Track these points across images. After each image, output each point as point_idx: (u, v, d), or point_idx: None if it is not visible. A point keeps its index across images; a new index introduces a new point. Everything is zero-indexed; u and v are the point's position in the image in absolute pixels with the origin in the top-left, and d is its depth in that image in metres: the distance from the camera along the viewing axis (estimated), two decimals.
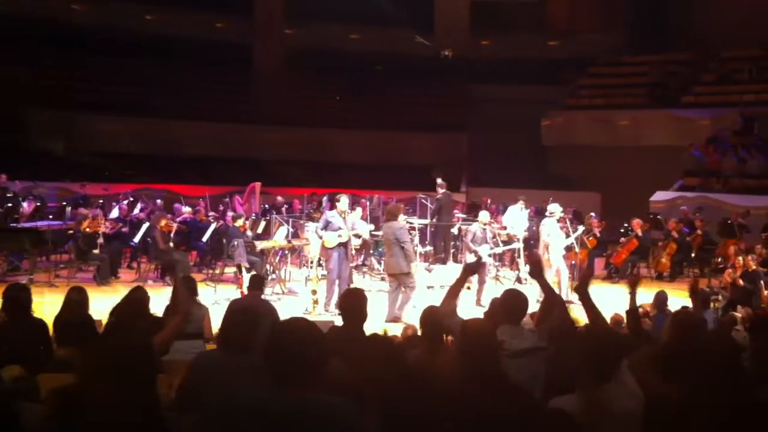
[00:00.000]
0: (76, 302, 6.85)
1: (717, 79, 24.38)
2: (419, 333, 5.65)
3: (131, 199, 17.50)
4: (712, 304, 11.11)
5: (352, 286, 12.02)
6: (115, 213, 15.92)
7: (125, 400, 3.21)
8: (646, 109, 24.56)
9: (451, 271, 14.04)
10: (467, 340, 3.90)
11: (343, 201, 11.67)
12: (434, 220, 15.79)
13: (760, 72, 23.28)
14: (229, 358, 4.46)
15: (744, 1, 24.38)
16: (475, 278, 12.64)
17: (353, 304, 5.01)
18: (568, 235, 13.39)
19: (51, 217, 15.31)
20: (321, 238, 11.43)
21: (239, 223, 14.02)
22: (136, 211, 16.40)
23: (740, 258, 12.34)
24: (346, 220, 11.49)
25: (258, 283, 8.13)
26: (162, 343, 4.93)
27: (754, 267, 12.01)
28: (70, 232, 13.69)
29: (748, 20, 23.69)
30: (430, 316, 5.07)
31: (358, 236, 12.15)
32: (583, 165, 24.26)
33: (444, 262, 15.32)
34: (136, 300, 6.81)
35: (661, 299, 8.92)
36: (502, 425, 3.50)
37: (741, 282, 11.74)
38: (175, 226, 14.35)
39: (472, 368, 3.72)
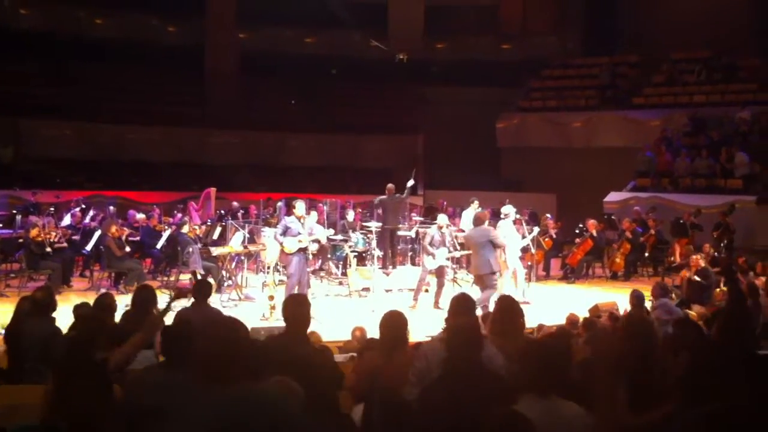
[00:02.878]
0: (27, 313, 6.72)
1: (666, 80, 24.79)
2: (376, 336, 5.61)
3: (83, 206, 17.16)
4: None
5: (309, 290, 11.98)
6: (67, 220, 15.60)
7: (82, 415, 3.19)
8: (598, 111, 24.88)
9: (409, 274, 14.06)
10: (453, 337, 4.14)
11: (300, 206, 11.59)
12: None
13: (709, 73, 23.70)
14: (168, 373, 4.32)
15: (692, 3, 24.82)
16: (433, 281, 12.70)
17: (298, 311, 4.87)
18: (524, 237, 13.51)
19: (0, 225, 14.95)
20: (281, 243, 11.33)
21: (185, 229, 13.80)
22: (88, 219, 16.10)
23: (694, 257, 12.56)
24: (304, 225, 11.43)
25: (203, 292, 7.78)
26: (122, 357, 4.87)
27: (702, 264, 12.23)
28: (21, 240, 13.38)
29: (697, 22, 24.12)
30: (390, 320, 5.06)
31: (316, 241, 12.08)
32: (537, 166, 24.48)
33: (385, 265, 15.26)
34: (104, 307, 6.73)
35: (638, 298, 9.00)
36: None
37: (696, 278, 11.93)
38: (126, 231, 14.12)
39: (457, 362, 3.97)
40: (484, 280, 11.31)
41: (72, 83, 24.97)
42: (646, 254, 16.65)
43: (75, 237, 14.50)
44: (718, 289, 11.93)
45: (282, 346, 4.59)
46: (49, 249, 13.08)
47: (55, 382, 3.40)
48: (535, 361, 3.62)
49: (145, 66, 26.06)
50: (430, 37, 29.27)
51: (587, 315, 9.53)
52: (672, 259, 14.86)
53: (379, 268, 14.15)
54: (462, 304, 5.28)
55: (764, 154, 18.85)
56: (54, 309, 6.78)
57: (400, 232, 15.82)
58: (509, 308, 5.33)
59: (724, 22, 23.85)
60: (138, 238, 14.63)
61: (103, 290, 12.61)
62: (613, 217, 17.99)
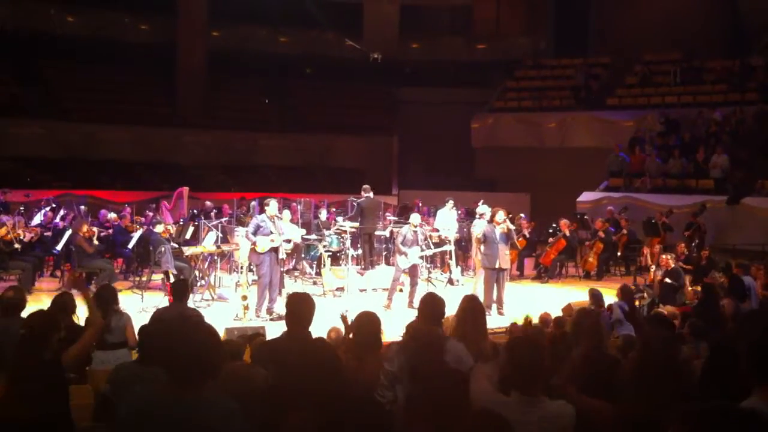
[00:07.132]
0: None
1: (639, 81, 24.98)
2: (350, 336, 5.58)
3: (54, 205, 16.95)
4: (637, 302, 11.39)
5: (283, 290, 11.89)
6: (38, 219, 15.39)
7: (34, 414, 3.15)
8: (572, 111, 25.00)
9: (384, 274, 14.02)
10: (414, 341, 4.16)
11: (273, 205, 11.50)
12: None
13: (680, 74, 23.90)
14: (146, 368, 4.37)
15: (664, 6, 25.03)
16: (407, 280, 12.68)
17: (302, 309, 4.84)
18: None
19: None
20: (252, 242, 11.24)
21: (159, 229, 13.66)
22: (58, 218, 15.90)
23: (664, 256, 12.62)
24: (277, 224, 11.34)
25: (180, 292, 7.78)
26: (76, 356, 4.81)
27: (672, 264, 12.29)
28: None
29: (667, 24, 24.35)
30: (362, 321, 5.02)
31: (288, 241, 12.00)
32: (511, 166, 24.56)
33: (365, 266, 15.24)
34: (62, 306, 6.62)
35: (596, 296, 9.06)
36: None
37: (667, 280, 11.99)
38: (96, 231, 13.95)
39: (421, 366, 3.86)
40: (506, 275, 12.49)
41: (42, 81, 24.69)
42: (619, 254, 16.76)
43: (47, 235, 14.32)
44: (690, 289, 12.02)
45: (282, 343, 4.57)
46: (17, 246, 12.87)
47: (8, 381, 3.33)
48: (517, 359, 3.60)
49: (116, 64, 25.85)
50: (404, 37, 29.30)
51: (560, 314, 9.54)
52: (643, 258, 14.96)
53: (361, 268, 14.15)
54: (429, 305, 5.25)
55: (734, 154, 19.03)
56: (23, 308, 6.67)
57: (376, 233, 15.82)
58: (473, 308, 5.30)
59: (694, 24, 24.12)
60: (110, 235, 14.47)
61: (74, 290, 12.46)
62: (585, 216, 18.07)
